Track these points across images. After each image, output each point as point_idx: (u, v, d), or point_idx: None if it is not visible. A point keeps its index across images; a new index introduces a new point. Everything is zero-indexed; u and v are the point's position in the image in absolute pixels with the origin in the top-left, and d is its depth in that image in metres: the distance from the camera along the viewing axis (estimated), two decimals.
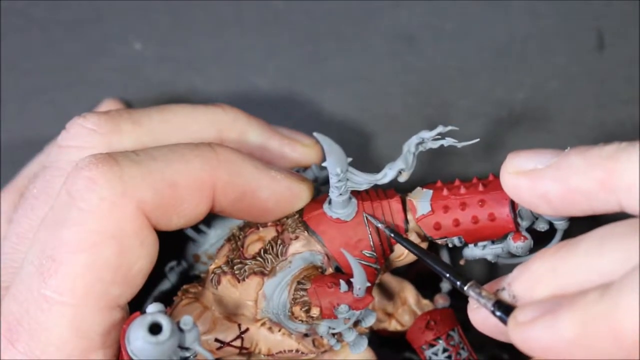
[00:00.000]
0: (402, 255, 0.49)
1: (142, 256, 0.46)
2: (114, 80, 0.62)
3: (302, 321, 0.47)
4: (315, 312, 0.46)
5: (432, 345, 0.49)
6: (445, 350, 0.49)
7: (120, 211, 0.45)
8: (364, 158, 0.60)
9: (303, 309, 0.47)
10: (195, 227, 0.52)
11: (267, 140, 0.53)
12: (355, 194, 0.49)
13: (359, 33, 0.63)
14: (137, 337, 0.41)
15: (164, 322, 0.41)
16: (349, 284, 0.45)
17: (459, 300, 0.52)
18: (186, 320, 0.42)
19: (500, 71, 0.62)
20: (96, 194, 0.45)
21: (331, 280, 0.46)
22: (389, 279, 0.51)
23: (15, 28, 0.63)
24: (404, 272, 0.54)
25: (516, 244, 0.47)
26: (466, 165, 0.60)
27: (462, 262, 0.49)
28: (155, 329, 0.41)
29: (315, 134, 0.45)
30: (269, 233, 0.49)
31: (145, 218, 0.46)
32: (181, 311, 0.48)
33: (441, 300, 0.51)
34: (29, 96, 0.62)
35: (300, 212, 0.50)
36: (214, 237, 0.52)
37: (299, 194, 0.49)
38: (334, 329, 0.47)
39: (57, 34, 0.63)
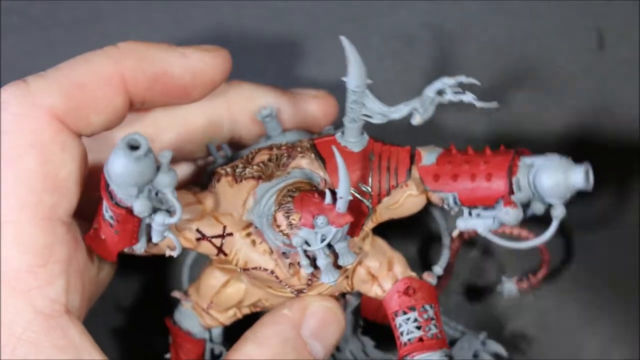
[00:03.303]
0: (397, 202, 0.49)
1: (66, 161, 0.47)
2: None
3: (281, 232, 0.47)
4: (295, 218, 0.47)
5: (405, 313, 0.49)
6: (416, 320, 0.49)
7: (33, 121, 0.46)
8: None
9: (285, 215, 0.47)
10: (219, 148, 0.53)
11: (278, 100, 0.54)
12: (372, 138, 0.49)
13: (359, 33, 0.63)
14: (117, 156, 0.41)
15: (142, 140, 0.41)
16: (334, 200, 0.45)
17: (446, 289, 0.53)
18: (165, 154, 0.42)
19: (500, 71, 0.62)
20: (9, 112, 0.46)
21: (319, 193, 0.47)
22: (384, 245, 0.51)
23: (15, 28, 0.63)
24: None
25: (506, 209, 0.46)
26: None
27: (454, 234, 0.49)
28: (134, 149, 0.42)
29: (342, 37, 0.45)
30: (280, 153, 0.50)
31: (60, 123, 0.47)
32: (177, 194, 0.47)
33: (428, 278, 0.50)
34: None
35: (314, 138, 0.50)
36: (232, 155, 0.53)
37: (213, 62, 0.50)
38: (309, 245, 0.46)
39: (57, 34, 0.63)
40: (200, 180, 0.54)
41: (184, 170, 0.56)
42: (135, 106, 0.50)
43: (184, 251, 0.55)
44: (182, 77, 0.49)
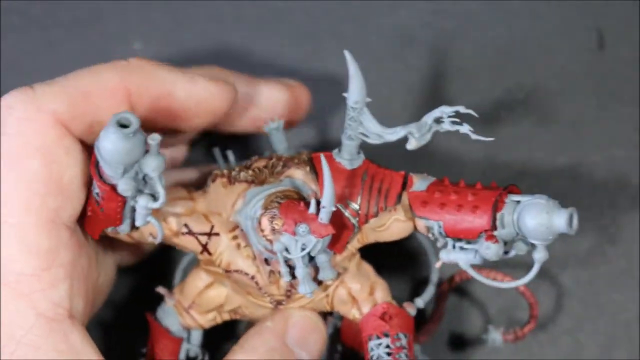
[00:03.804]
0: (383, 225, 0.49)
1: (70, 165, 0.47)
2: None
3: (264, 237, 0.48)
4: (278, 223, 0.47)
5: (378, 337, 0.49)
6: (387, 346, 0.49)
7: (37, 125, 0.47)
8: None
9: (269, 219, 0.47)
10: (224, 155, 0.54)
11: (237, 84, 0.53)
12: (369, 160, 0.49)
13: (359, 33, 0.63)
14: (108, 132, 0.42)
15: (132, 118, 0.42)
16: (319, 210, 0.46)
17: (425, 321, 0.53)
18: (154, 136, 0.43)
19: (500, 71, 0.62)
20: (14, 116, 0.47)
21: (305, 203, 0.47)
22: (369, 270, 0.51)
23: (15, 28, 0.63)
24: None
25: (487, 243, 0.46)
26: (464, 164, 0.60)
27: (438, 265, 0.49)
28: (124, 127, 0.43)
29: (345, 51, 0.45)
30: (277, 162, 0.50)
31: (64, 128, 0.47)
32: (168, 190, 0.48)
33: (408, 307, 0.50)
34: None
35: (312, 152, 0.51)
36: (234, 165, 0.53)
37: (218, 94, 0.51)
38: (289, 253, 0.47)
39: (57, 34, 0.63)
40: (203, 186, 0.54)
41: (189, 175, 0.56)
42: None
43: (179, 255, 0.55)
44: (185, 101, 0.50)
